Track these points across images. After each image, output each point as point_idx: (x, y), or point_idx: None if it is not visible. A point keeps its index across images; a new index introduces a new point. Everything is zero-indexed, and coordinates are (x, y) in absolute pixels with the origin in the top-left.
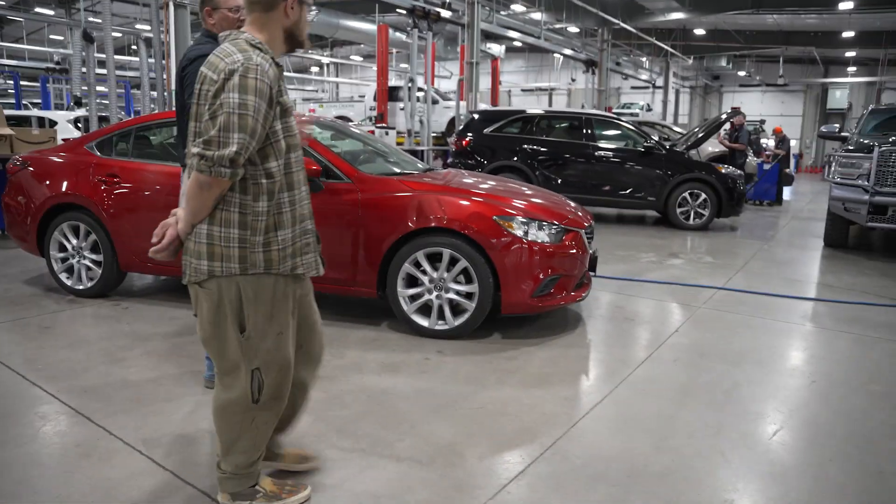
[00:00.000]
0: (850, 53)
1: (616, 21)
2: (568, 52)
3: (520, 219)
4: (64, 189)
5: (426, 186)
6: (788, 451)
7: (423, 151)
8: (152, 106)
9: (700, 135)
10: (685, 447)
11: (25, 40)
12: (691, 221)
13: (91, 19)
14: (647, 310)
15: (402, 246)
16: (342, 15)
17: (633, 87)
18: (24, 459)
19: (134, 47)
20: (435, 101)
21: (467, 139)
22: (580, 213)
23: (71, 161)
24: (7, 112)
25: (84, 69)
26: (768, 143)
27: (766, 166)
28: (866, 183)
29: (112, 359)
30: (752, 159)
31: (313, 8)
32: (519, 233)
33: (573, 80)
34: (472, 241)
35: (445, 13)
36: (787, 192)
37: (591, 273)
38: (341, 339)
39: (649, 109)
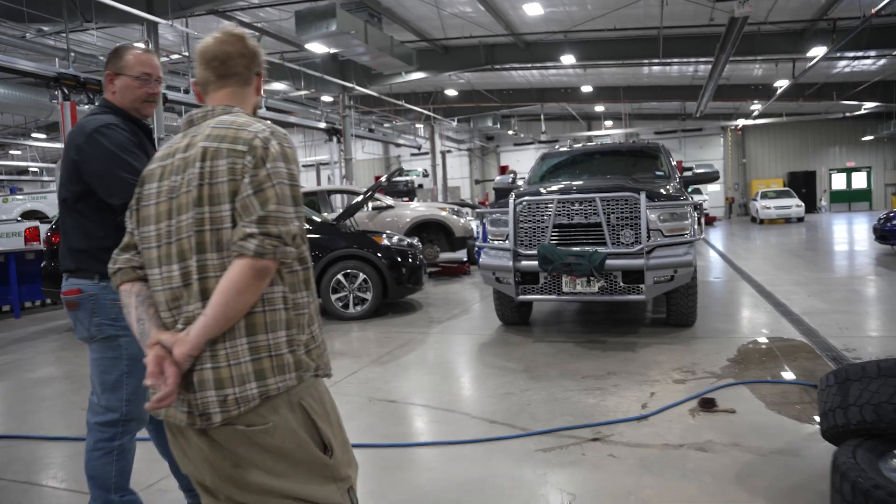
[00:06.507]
0: (600, 108)
1: (351, 85)
2: (308, 122)
3: None
4: None
5: None
6: None
7: None
8: None
9: (356, 200)
10: None
11: None
12: (352, 310)
13: None
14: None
15: None
16: None
17: (412, 155)
18: None
19: None
20: None
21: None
22: None
23: None
24: None
25: None
26: None
27: None
28: (510, 244)
29: None
30: (468, 220)
31: None
32: None
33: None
34: None
35: None
36: None
37: None
38: None
39: (426, 175)
